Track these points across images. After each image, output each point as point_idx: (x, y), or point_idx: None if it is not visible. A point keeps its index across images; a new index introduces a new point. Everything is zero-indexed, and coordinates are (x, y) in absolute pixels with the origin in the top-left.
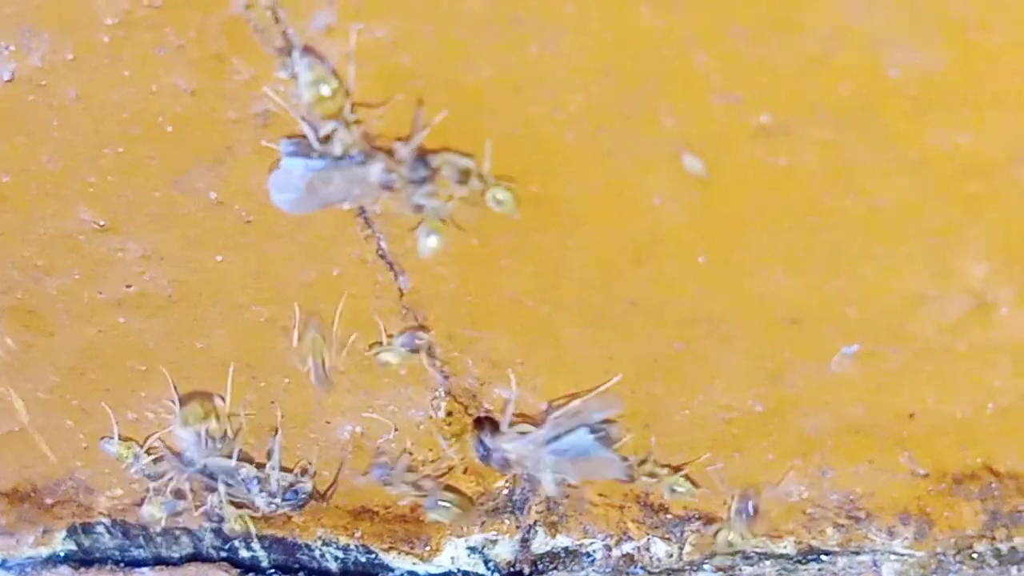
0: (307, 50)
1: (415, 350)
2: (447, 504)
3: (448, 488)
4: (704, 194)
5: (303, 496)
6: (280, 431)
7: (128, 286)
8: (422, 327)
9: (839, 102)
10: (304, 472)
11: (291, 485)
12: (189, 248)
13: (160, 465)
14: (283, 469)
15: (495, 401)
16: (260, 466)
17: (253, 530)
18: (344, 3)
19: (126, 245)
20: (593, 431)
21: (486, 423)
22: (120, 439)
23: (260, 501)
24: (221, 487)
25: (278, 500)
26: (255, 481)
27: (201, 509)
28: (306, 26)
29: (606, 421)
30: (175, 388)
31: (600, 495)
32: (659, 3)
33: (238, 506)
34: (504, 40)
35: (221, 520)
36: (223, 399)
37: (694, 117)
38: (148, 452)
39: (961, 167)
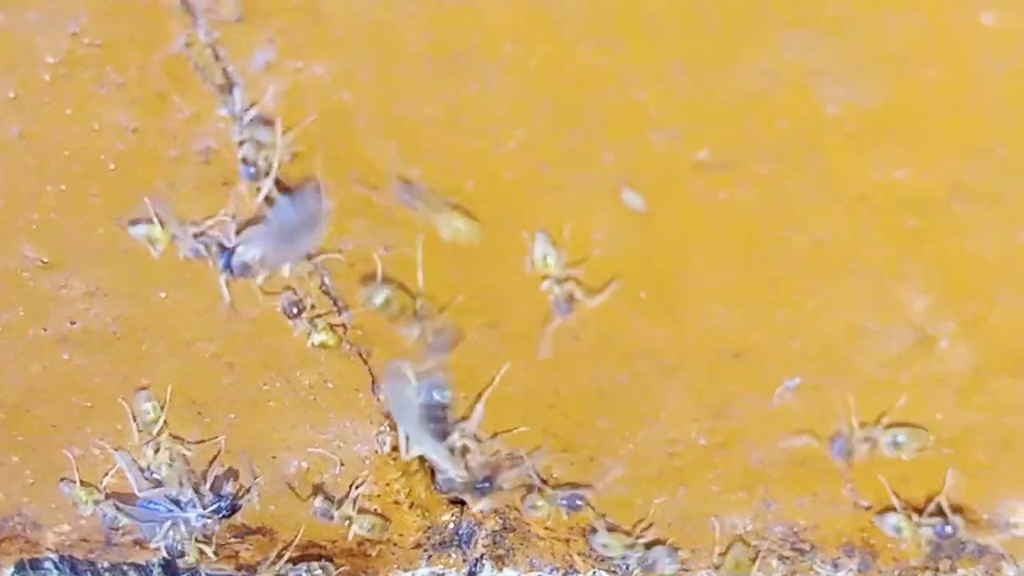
0: None
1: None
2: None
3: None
4: (645, 229)
5: (227, 500)
6: (218, 456)
7: (72, 322)
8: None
9: (778, 137)
10: (229, 478)
11: (218, 495)
12: (133, 285)
13: (120, 513)
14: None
15: None
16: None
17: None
18: (284, 41)
19: (70, 282)
20: None
21: None
22: (81, 484)
23: (193, 517)
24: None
25: (207, 512)
26: (191, 504)
27: (157, 543)
28: (246, 64)
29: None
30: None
31: (546, 528)
32: (598, 41)
33: (190, 539)
34: (444, 77)
35: (182, 555)
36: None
37: (634, 153)
38: (107, 496)
39: (900, 201)
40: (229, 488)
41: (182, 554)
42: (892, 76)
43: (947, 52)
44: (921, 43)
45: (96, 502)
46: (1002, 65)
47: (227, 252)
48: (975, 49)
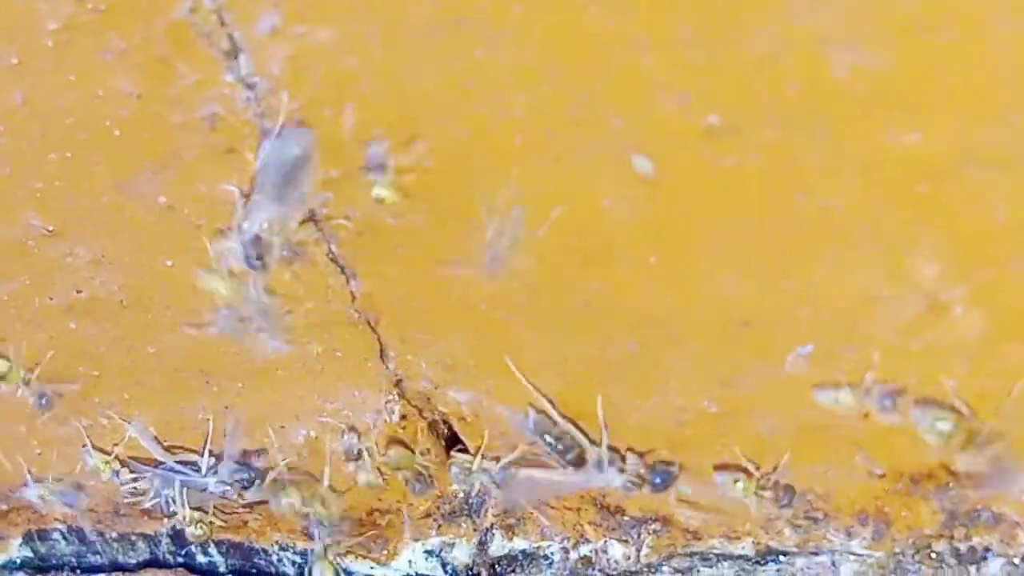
0: None
1: None
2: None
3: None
4: (653, 195)
5: (255, 474)
6: (232, 424)
7: (79, 291)
8: None
9: (786, 103)
10: (260, 454)
11: (246, 466)
12: (139, 253)
13: (136, 476)
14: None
15: (449, 404)
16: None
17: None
18: (289, 6)
19: (75, 250)
20: None
21: None
22: (94, 449)
23: (213, 485)
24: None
25: (229, 481)
26: (212, 470)
27: (155, 502)
28: (251, 29)
29: None
30: None
31: (556, 498)
32: (606, 5)
33: (196, 509)
34: (450, 43)
35: (174, 515)
36: None
37: (642, 118)
38: (123, 464)
39: (911, 168)
40: (260, 464)
41: (174, 514)
42: (902, 40)
43: (958, 16)
44: (932, 7)
45: (114, 470)
46: (1014, 29)
47: (241, 245)
48: (986, 13)
